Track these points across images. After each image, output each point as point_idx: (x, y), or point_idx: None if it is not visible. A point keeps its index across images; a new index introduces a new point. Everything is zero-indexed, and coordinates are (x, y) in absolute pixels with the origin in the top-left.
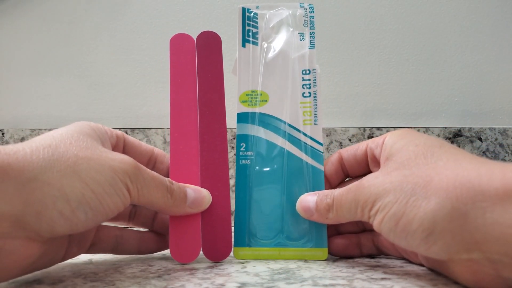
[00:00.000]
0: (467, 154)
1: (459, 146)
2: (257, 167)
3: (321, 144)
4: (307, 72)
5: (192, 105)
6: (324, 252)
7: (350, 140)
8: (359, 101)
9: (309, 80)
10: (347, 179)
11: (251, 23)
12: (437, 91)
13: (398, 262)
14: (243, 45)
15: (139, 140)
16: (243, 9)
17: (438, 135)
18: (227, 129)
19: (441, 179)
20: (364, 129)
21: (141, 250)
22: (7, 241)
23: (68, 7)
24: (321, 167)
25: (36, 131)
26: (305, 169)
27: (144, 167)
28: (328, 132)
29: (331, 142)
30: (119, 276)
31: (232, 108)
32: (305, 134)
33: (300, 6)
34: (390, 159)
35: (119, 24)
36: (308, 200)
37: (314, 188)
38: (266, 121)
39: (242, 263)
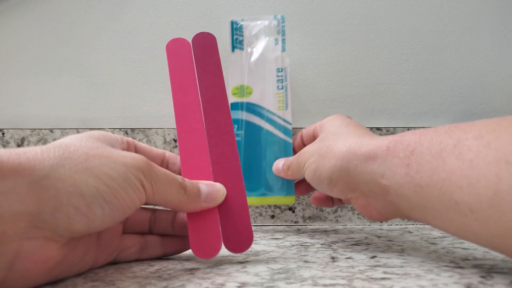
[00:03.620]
0: (362, 132)
1: None
2: (245, 142)
3: (290, 123)
4: (280, 70)
5: (196, 105)
6: (292, 198)
7: None
8: (359, 101)
9: (282, 76)
10: None
11: (238, 32)
12: (437, 91)
13: (398, 262)
14: (233, 50)
15: (139, 140)
16: (232, 22)
17: None
18: None
19: (338, 148)
20: None
21: (166, 253)
22: (24, 243)
23: (68, 7)
24: (290, 141)
25: (36, 131)
26: (279, 142)
27: (156, 165)
28: None
29: None
30: (119, 276)
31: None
32: (279, 117)
33: (274, 18)
34: (319, 135)
35: (119, 24)
36: (278, 163)
37: (285, 155)
38: (251, 108)
39: (242, 262)
